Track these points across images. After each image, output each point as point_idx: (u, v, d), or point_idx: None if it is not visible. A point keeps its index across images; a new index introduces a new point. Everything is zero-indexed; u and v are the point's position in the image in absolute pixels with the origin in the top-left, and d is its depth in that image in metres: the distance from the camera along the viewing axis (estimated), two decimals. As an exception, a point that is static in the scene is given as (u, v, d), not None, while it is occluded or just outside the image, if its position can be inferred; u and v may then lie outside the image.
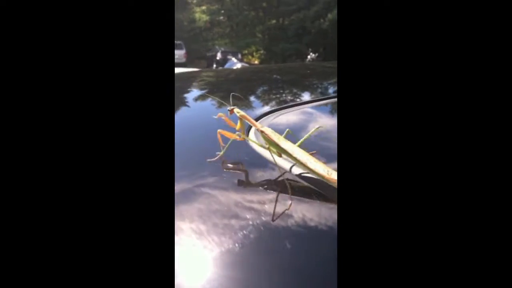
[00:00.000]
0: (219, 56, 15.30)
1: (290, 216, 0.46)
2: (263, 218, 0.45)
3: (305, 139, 0.59)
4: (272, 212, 0.47)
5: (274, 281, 0.38)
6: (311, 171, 0.52)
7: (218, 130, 0.61)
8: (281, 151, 0.57)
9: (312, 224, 0.45)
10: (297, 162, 0.54)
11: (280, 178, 0.55)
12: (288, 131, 0.61)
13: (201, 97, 1.17)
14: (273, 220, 0.45)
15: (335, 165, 0.59)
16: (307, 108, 0.98)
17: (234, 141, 0.61)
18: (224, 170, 0.59)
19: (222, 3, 20.02)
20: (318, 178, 0.51)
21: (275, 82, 1.42)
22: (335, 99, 0.97)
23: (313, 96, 1.19)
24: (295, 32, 16.93)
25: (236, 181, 0.55)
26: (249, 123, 0.62)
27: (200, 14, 19.82)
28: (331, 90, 1.30)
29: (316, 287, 0.37)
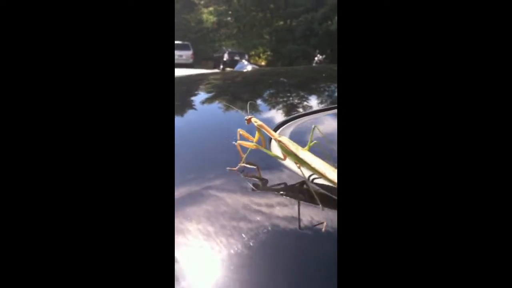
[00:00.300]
0: (226, 57, 15.31)
1: (299, 219, 0.46)
2: (273, 221, 0.45)
3: (313, 143, 0.58)
4: (281, 215, 0.47)
5: (283, 284, 0.38)
6: (330, 181, 0.51)
7: (238, 142, 0.60)
8: (299, 162, 0.55)
9: (321, 227, 0.45)
10: (316, 172, 0.53)
11: (298, 184, 0.54)
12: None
13: (208, 100, 1.18)
14: (299, 228, 0.45)
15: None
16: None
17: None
18: (244, 177, 0.58)
19: (229, 4, 20.05)
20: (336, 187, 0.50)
21: (282, 85, 1.42)
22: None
23: (320, 99, 1.19)
24: (302, 33, 16.91)
25: (244, 184, 0.55)
26: (266, 132, 0.60)
27: (208, 15, 19.87)
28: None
29: None
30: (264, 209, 0.48)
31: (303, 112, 0.91)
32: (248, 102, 0.76)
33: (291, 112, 1.00)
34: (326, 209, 0.48)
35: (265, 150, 0.60)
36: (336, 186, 0.50)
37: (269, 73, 1.98)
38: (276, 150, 0.64)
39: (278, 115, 0.96)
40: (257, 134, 0.61)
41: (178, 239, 0.41)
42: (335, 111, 0.92)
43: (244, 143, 0.61)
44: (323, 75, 1.70)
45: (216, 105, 1.08)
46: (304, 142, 0.59)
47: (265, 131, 0.60)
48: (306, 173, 0.55)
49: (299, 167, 0.56)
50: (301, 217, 0.46)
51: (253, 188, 0.53)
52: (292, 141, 0.57)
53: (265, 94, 1.26)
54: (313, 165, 0.53)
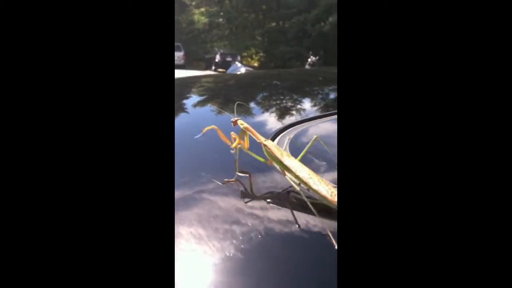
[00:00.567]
0: (218, 58, 15.26)
1: (293, 222, 0.46)
2: (266, 225, 0.45)
3: (305, 152, 0.58)
4: (275, 218, 0.47)
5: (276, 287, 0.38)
6: (314, 191, 0.49)
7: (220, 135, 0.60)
8: (283, 168, 0.55)
9: (316, 230, 0.45)
10: (300, 180, 0.51)
11: (285, 192, 0.54)
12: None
13: (200, 103, 1.18)
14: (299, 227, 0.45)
15: (336, 171, 0.59)
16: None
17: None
18: (223, 184, 0.57)
19: (221, 5, 20.03)
20: (321, 198, 0.49)
21: (275, 88, 1.43)
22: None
23: (314, 102, 1.19)
24: (295, 35, 16.94)
25: (236, 188, 0.55)
26: (252, 135, 0.59)
27: (199, 16, 19.82)
28: (332, 95, 1.31)
29: None
30: (257, 212, 0.48)
31: (304, 118, 0.89)
32: (236, 103, 0.75)
33: (284, 115, 1.00)
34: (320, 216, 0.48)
35: (251, 154, 0.59)
36: (319, 196, 0.49)
37: (262, 76, 1.98)
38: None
39: (271, 118, 0.97)
40: (240, 136, 0.60)
41: None
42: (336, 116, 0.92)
43: (225, 139, 0.61)
44: (320, 78, 1.70)
45: (209, 108, 1.08)
46: (301, 151, 0.58)
47: (251, 134, 0.59)
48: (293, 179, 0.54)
49: (283, 174, 0.55)
50: (297, 220, 0.47)
51: (241, 197, 0.53)
52: (278, 146, 0.56)
53: (258, 97, 1.26)
54: (297, 173, 0.51)
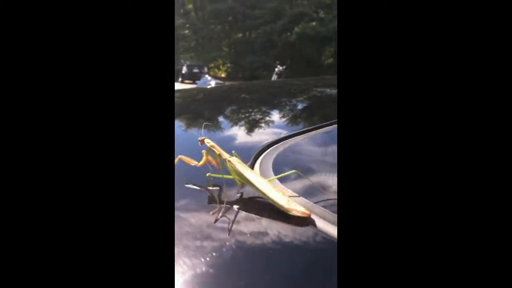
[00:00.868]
0: (184, 69, 15.20)
1: (266, 234, 0.46)
2: (238, 238, 0.45)
3: (281, 176, 0.60)
4: (247, 231, 0.47)
5: None
6: (272, 201, 0.53)
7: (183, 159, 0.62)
8: (245, 182, 0.58)
9: (287, 240, 0.45)
10: (259, 192, 0.55)
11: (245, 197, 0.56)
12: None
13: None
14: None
15: (313, 178, 0.61)
16: (276, 128, 0.99)
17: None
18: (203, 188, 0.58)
19: (187, 17, 20.05)
20: (279, 208, 0.52)
21: (244, 101, 1.43)
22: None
23: (282, 114, 1.20)
24: (262, 45, 17.15)
25: (207, 204, 0.55)
26: (218, 153, 0.62)
27: (166, 28, 19.73)
28: (300, 106, 1.33)
29: None
30: (228, 226, 0.48)
31: (287, 135, 0.87)
32: (204, 124, 0.76)
33: (253, 128, 1.00)
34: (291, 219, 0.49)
35: (218, 176, 0.61)
36: (277, 205, 0.52)
37: (230, 90, 1.99)
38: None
39: (240, 132, 0.97)
40: (207, 153, 0.63)
41: None
42: (321, 130, 0.93)
43: (189, 160, 0.63)
44: (292, 90, 1.73)
45: (177, 124, 1.07)
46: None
47: (216, 151, 0.62)
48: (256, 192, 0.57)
49: (242, 185, 0.59)
50: (268, 231, 0.47)
51: (208, 202, 0.55)
52: (241, 162, 0.60)
53: (227, 111, 1.26)
54: (257, 185, 0.55)
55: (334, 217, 0.49)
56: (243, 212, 0.53)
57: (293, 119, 1.12)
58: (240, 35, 19.35)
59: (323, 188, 0.58)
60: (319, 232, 0.48)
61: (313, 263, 0.43)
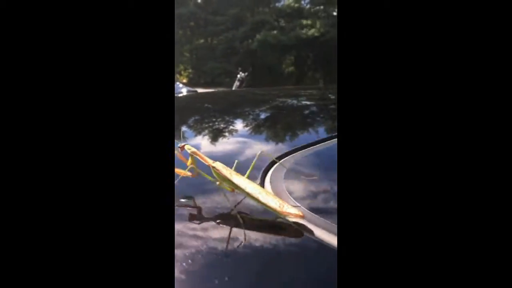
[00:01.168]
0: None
1: (236, 239, 0.47)
2: (209, 244, 0.46)
3: (252, 169, 0.61)
4: (217, 237, 0.47)
5: None
6: (263, 205, 0.52)
7: (176, 170, 0.60)
8: (233, 186, 0.57)
9: (257, 244, 0.46)
10: (249, 196, 0.55)
11: (233, 212, 0.55)
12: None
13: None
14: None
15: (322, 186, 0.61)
16: (241, 138, 1.00)
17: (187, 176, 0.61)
18: (176, 206, 0.57)
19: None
20: (271, 211, 0.51)
21: (207, 111, 1.43)
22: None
23: (246, 123, 1.21)
24: (223, 51, 17.16)
25: (178, 212, 0.55)
26: (200, 159, 0.61)
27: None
28: (263, 116, 1.34)
29: None
30: (199, 233, 0.49)
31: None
32: (182, 130, 0.75)
33: (217, 138, 1.01)
34: (261, 224, 0.50)
35: (203, 174, 0.61)
36: (269, 208, 0.51)
37: (192, 99, 1.98)
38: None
39: (204, 141, 0.97)
40: (190, 160, 0.62)
41: None
42: (327, 143, 0.91)
43: (178, 170, 0.61)
44: (255, 100, 1.74)
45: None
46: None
47: (199, 158, 0.61)
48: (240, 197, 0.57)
49: (232, 191, 0.58)
50: (238, 236, 0.47)
51: (189, 219, 0.54)
52: (226, 167, 0.59)
53: (190, 121, 1.26)
54: (247, 190, 0.54)
55: (319, 219, 0.50)
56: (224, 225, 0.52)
57: (257, 128, 1.14)
58: (202, 41, 19.28)
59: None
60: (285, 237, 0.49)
61: (283, 266, 0.44)
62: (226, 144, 0.92)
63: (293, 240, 0.48)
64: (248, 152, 0.84)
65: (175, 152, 0.63)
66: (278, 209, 0.50)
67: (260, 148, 0.89)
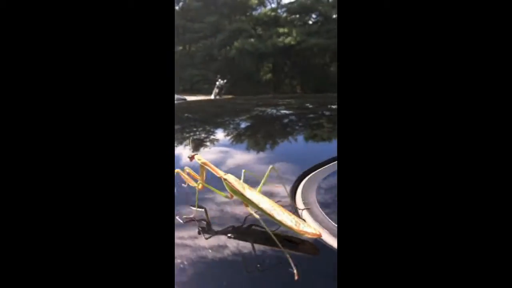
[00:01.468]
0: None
1: (225, 247, 0.47)
2: (199, 253, 0.46)
3: (263, 183, 0.57)
4: (207, 245, 0.47)
5: None
6: (278, 222, 0.49)
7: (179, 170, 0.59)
8: (245, 201, 0.54)
9: (245, 251, 0.47)
10: (264, 212, 0.51)
11: (246, 225, 0.54)
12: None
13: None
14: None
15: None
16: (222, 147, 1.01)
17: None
18: (184, 222, 0.55)
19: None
20: (286, 229, 0.48)
21: (188, 121, 1.44)
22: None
23: (227, 132, 1.23)
24: (202, 58, 17.11)
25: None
26: (211, 170, 0.58)
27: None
28: (243, 125, 1.36)
29: None
30: (188, 241, 0.49)
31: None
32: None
33: (198, 147, 1.01)
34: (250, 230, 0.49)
35: (212, 189, 0.58)
36: (284, 227, 0.49)
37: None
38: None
39: (186, 151, 0.97)
40: (200, 172, 0.59)
41: None
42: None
43: (190, 181, 0.59)
44: (237, 109, 1.75)
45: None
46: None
47: (209, 169, 0.58)
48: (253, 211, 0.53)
49: (246, 206, 0.55)
50: (227, 244, 0.48)
51: (200, 232, 0.52)
52: (238, 180, 0.56)
53: None
54: (260, 205, 0.51)
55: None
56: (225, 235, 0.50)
57: (238, 137, 1.15)
58: (180, 48, 19.17)
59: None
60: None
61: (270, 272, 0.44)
62: (208, 154, 0.93)
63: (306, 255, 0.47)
64: (230, 162, 0.86)
65: (179, 171, 0.59)
66: (295, 227, 0.47)
67: (241, 158, 0.90)
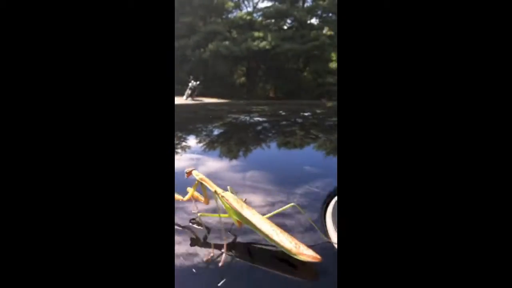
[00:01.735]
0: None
1: (195, 255, 0.48)
2: (190, 261, 0.47)
3: (275, 213, 0.55)
4: (177, 253, 0.48)
5: None
6: (276, 244, 0.48)
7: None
8: (242, 220, 0.52)
9: (218, 259, 0.47)
10: (261, 233, 0.49)
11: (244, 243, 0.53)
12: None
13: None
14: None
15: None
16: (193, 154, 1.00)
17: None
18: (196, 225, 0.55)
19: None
20: (286, 252, 0.47)
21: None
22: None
23: (199, 139, 1.22)
24: (175, 59, 16.94)
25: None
26: (209, 186, 0.56)
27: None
28: (216, 132, 1.35)
29: None
30: (179, 249, 0.49)
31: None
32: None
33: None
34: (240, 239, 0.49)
35: (213, 216, 0.56)
36: (282, 249, 0.47)
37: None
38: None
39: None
40: (193, 188, 0.57)
41: None
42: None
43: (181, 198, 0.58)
44: (210, 116, 1.74)
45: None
46: None
47: (207, 185, 0.56)
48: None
49: (239, 225, 0.53)
50: (198, 252, 0.48)
51: (191, 244, 0.52)
52: (236, 198, 0.54)
53: None
54: (258, 226, 0.49)
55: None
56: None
57: (210, 144, 1.15)
58: (153, 47, 18.95)
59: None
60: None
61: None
62: (179, 161, 0.92)
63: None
64: (201, 170, 0.85)
65: (181, 198, 0.58)
66: (294, 249, 0.46)
67: (212, 165, 0.90)
